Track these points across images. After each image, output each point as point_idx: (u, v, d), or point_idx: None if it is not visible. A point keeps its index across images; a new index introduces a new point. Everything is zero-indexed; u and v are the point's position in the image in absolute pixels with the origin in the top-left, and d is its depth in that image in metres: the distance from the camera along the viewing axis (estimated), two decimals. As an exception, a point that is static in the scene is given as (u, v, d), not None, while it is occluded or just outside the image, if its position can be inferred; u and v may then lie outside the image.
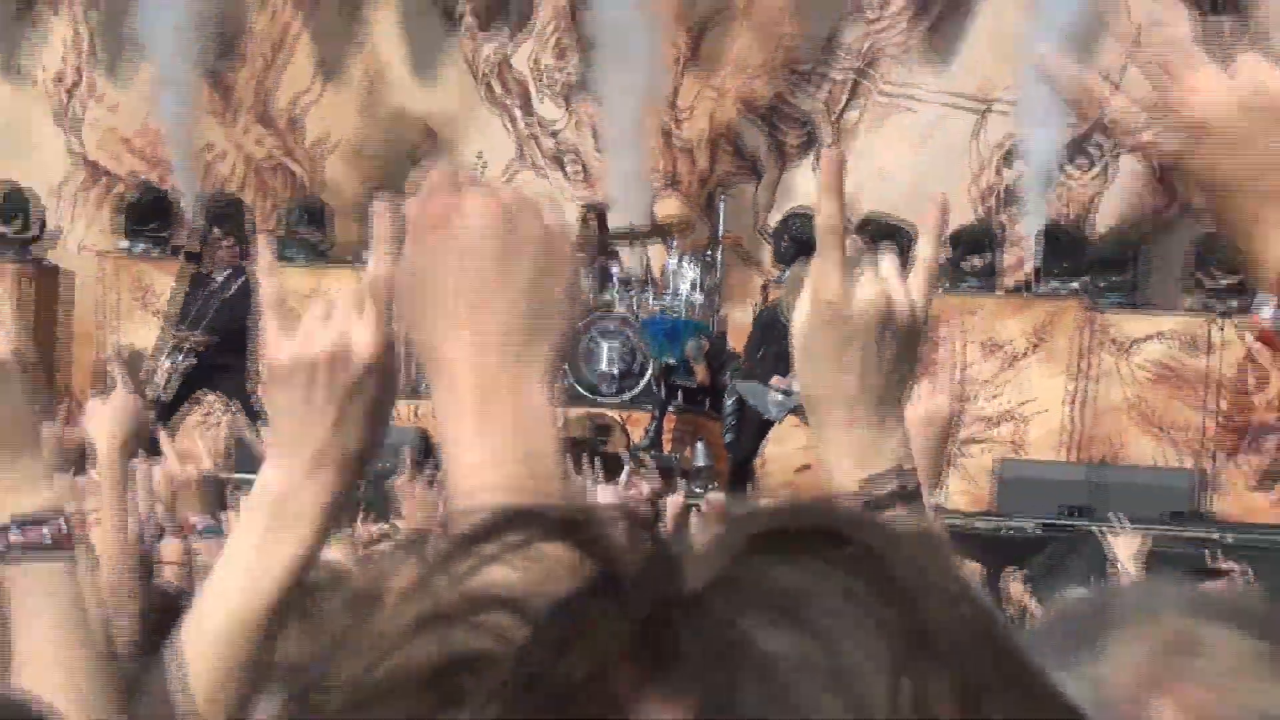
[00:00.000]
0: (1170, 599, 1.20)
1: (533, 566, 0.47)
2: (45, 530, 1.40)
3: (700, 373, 9.64)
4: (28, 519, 1.39)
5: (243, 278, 9.63)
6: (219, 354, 9.71)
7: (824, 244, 1.27)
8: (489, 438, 1.04)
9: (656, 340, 9.61)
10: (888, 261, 1.38)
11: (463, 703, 0.45)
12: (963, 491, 9.67)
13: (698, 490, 8.83)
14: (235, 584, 1.29)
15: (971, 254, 9.69)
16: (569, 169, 11.17)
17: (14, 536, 1.39)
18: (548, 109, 11.18)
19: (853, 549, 0.47)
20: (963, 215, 10.25)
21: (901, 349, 1.26)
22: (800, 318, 1.28)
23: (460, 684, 0.46)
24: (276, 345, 1.31)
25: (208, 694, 1.29)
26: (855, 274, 1.27)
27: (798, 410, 9.21)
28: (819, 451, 1.34)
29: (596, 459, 7.52)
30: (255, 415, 9.17)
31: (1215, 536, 9.09)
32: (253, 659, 1.31)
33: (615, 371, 9.67)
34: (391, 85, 11.27)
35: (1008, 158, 10.46)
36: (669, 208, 10.45)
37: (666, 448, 9.50)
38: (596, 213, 9.94)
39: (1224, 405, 9.86)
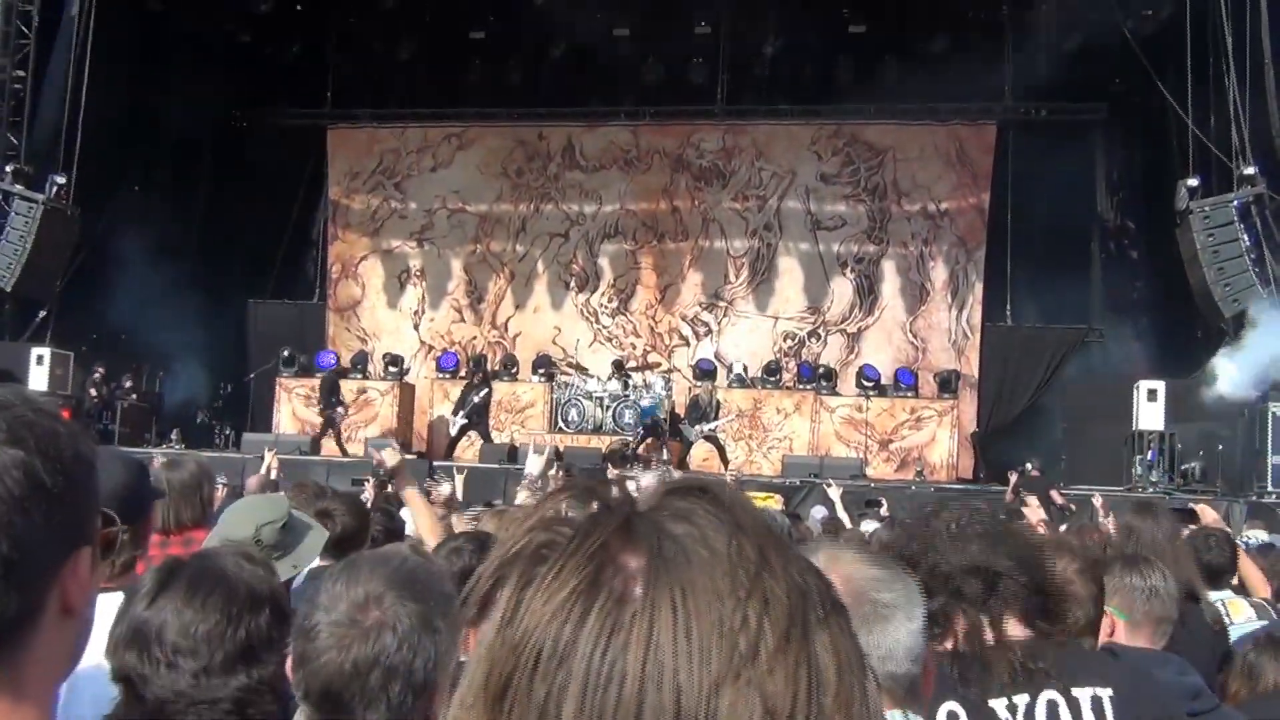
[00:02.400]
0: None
1: (576, 504, 0.86)
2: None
3: (663, 426, 20.19)
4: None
5: (485, 389, 20.20)
6: (478, 416, 20.00)
7: None
8: None
9: (643, 411, 20.16)
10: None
11: (545, 561, 0.83)
12: (769, 467, 21.14)
13: (663, 470, 19.09)
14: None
15: (770, 373, 23.00)
16: (614, 344, 22.96)
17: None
18: (605, 320, 23.54)
19: (709, 494, 0.85)
20: (770, 358, 23.43)
21: None
22: None
23: (545, 555, 0.84)
24: None
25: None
26: None
27: (706, 438, 19.90)
28: None
29: (627, 460, 19.43)
30: (489, 440, 20.00)
31: (871, 485, 21.00)
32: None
33: (632, 423, 20.43)
34: (542, 310, 23.40)
35: (787, 337, 23.04)
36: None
37: (639, 452, 21.45)
38: (617, 361, 21.16)
39: (872, 432, 21.64)
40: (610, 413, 20.96)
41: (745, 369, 21.82)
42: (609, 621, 0.80)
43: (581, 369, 21.97)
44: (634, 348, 23.39)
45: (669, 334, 23.39)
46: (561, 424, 21.14)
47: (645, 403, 20.72)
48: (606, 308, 23.67)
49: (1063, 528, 7.54)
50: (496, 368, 22.28)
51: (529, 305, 23.96)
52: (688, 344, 23.30)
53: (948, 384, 21.16)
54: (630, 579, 0.81)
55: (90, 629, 1.26)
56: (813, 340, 23.10)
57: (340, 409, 20.13)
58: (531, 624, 0.81)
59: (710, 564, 0.81)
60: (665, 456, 19.77)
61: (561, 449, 18.13)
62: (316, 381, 21.13)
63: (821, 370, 21.85)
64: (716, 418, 19.86)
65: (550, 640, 0.80)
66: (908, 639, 1.84)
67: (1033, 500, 10.22)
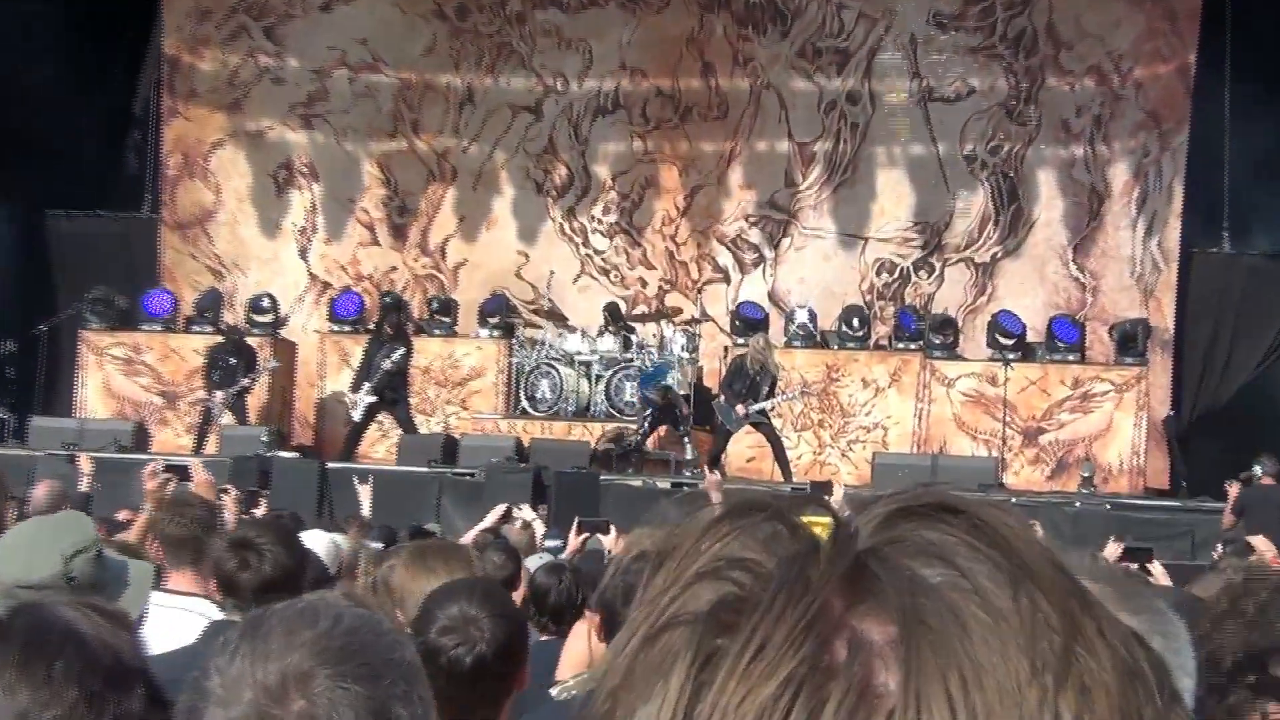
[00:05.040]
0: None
1: (749, 539, 0.92)
2: None
3: (684, 409, 19.88)
4: None
5: (401, 347, 20.22)
6: (392, 392, 20.22)
7: None
8: None
9: (643, 379, 20.24)
10: None
11: (734, 630, 0.87)
12: (850, 473, 20.63)
13: (687, 474, 19.02)
14: None
15: (852, 326, 21.95)
16: (612, 276, 23.41)
17: None
18: (599, 241, 23.59)
19: (964, 516, 0.90)
20: (855, 302, 22.27)
21: None
22: None
23: (729, 619, 0.88)
24: None
25: None
26: None
27: (753, 424, 19.51)
28: None
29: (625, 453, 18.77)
30: (412, 430, 20.29)
31: (1011, 500, 20.17)
32: None
33: (635, 401, 20.54)
34: (503, 226, 23.74)
35: (879, 270, 22.87)
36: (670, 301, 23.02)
37: (654, 446, 20.27)
38: (613, 305, 21.19)
39: (1012, 417, 21.27)
40: (604, 386, 21.23)
41: (814, 318, 22.22)
42: None
43: (559, 318, 22.16)
44: (643, 286, 24.01)
45: (697, 264, 23.99)
46: (526, 404, 21.46)
47: (652, 367, 20.95)
48: (600, 224, 24.11)
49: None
50: (424, 315, 22.89)
51: (479, 220, 24.34)
52: (726, 279, 23.88)
53: (1130, 342, 21.62)
54: (875, 659, 0.86)
55: None
56: (921, 275, 23.55)
57: (249, 379, 21.01)
58: None
59: (995, 633, 0.86)
60: (690, 454, 19.92)
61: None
62: (163, 338, 21.75)
63: (934, 320, 22.26)
64: (770, 394, 19.83)
65: None
66: None
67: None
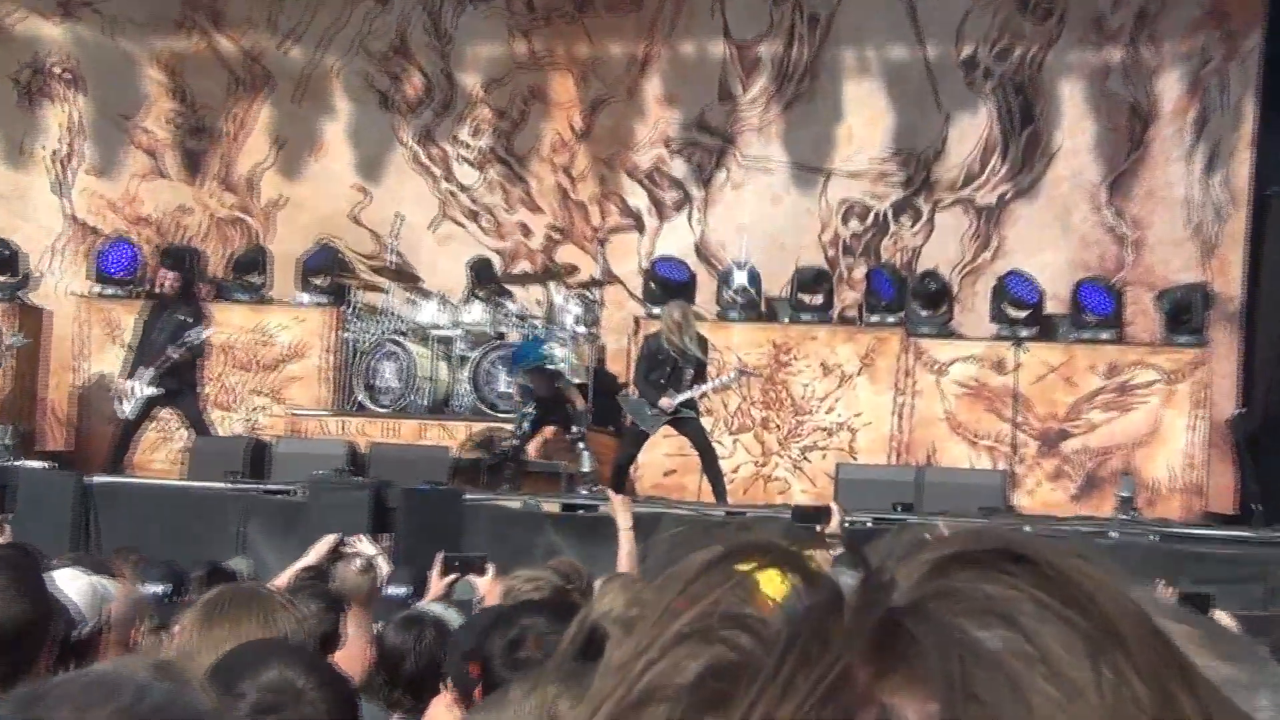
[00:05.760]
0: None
1: (747, 590, 1.00)
2: None
3: (579, 402, 19.83)
4: None
5: (192, 318, 19.93)
6: (179, 379, 19.93)
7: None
8: None
9: (516, 356, 20.05)
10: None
11: (728, 704, 0.95)
12: (805, 491, 20.30)
13: (583, 492, 18.61)
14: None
15: (809, 291, 21.76)
16: (483, 222, 23.18)
17: None
18: (465, 174, 23.27)
19: (1035, 565, 0.97)
20: (814, 260, 22.06)
21: None
22: None
23: (721, 690, 0.96)
24: None
25: None
26: None
27: (673, 422, 19.45)
28: None
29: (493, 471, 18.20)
30: (204, 430, 20.46)
31: (1025, 529, 20.42)
32: None
33: (512, 391, 20.21)
34: (334, 154, 23.35)
35: (846, 215, 22.63)
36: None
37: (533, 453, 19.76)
38: (483, 261, 21.14)
39: (1025, 416, 20.57)
40: (470, 372, 21.36)
41: (757, 280, 22.39)
42: None
43: (409, 279, 22.51)
44: (525, 235, 24.12)
45: (599, 206, 24.08)
46: (364, 395, 21.71)
47: (530, 342, 21.03)
48: (468, 151, 24.23)
49: None
50: (225, 277, 23.24)
51: (302, 146, 24.47)
52: (639, 227, 24.03)
53: (1184, 315, 21.86)
54: None
55: None
56: (903, 222, 23.63)
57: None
58: None
59: (1067, 714, 0.91)
60: (588, 464, 19.93)
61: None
62: None
63: (920, 285, 22.40)
64: (695, 381, 19.91)
65: None
66: None
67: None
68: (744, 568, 0.99)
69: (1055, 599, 0.95)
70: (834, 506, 17.21)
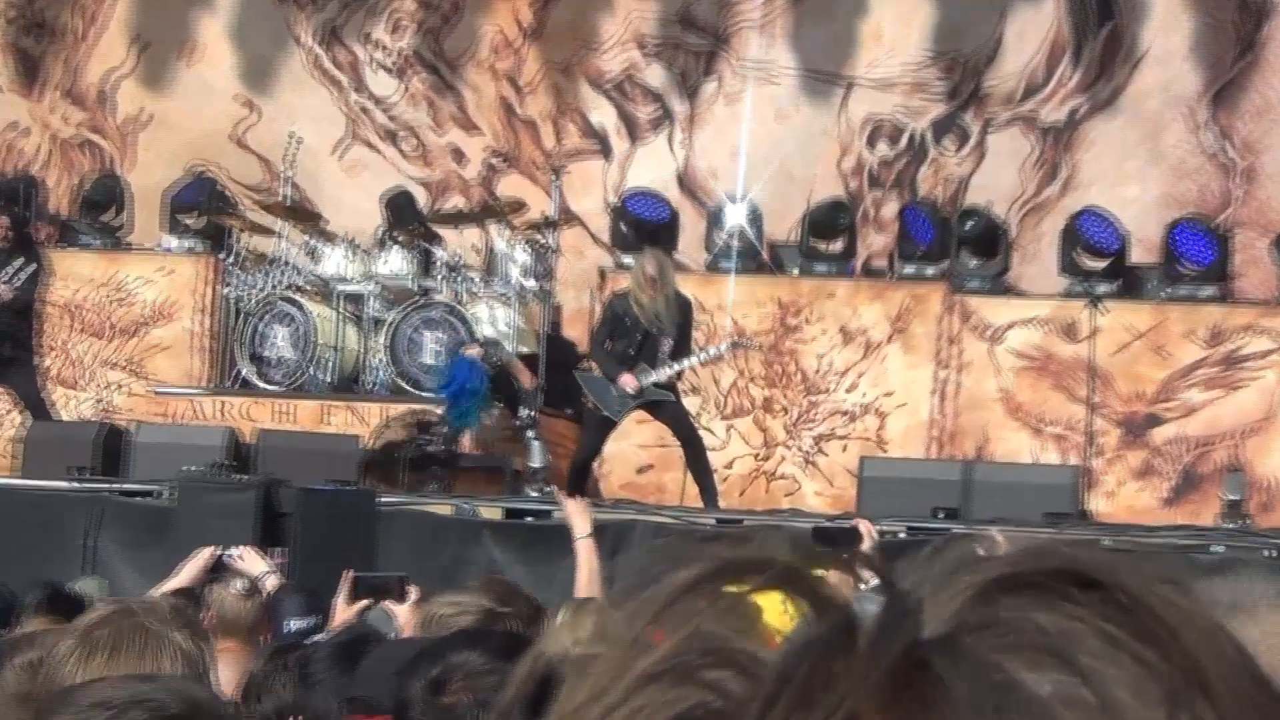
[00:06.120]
0: (1259, 593, 3.17)
1: (739, 620, 1.01)
2: None
3: (526, 378, 18.79)
4: None
5: (31, 265, 19.10)
6: (9, 346, 18.96)
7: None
8: None
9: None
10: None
11: None
12: (819, 493, 19.27)
13: (533, 493, 17.84)
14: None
15: (825, 235, 20.26)
16: (404, 145, 21.71)
17: None
18: (381, 83, 21.91)
19: (1105, 591, 0.98)
20: (831, 194, 20.68)
21: None
22: None
23: None
24: None
25: None
26: None
27: (647, 406, 18.51)
28: None
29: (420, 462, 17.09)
30: (43, 414, 19.65)
31: (1102, 542, 19.07)
32: None
33: (440, 364, 18.99)
34: (212, 58, 21.89)
35: (873, 136, 21.30)
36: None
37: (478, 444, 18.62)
38: (403, 195, 19.63)
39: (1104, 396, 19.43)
40: (386, 338, 21.22)
41: (759, 220, 22.19)
42: None
43: (307, 216, 22.02)
44: (459, 162, 23.70)
45: (554, 126, 23.62)
46: (248, 369, 21.64)
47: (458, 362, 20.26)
48: (385, 52, 23.73)
49: None
50: (70, 215, 23.05)
51: (170, 47, 24.06)
52: (605, 153, 23.55)
53: None
54: None
55: None
56: (945, 146, 23.24)
57: None
58: None
59: None
60: (538, 458, 19.32)
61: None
62: None
63: (969, 227, 22.05)
64: (676, 355, 19.42)
65: None
66: None
67: None
68: (736, 589, 0.98)
69: (1127, 633, 0.95)
70: (862, 526, 16.23)
